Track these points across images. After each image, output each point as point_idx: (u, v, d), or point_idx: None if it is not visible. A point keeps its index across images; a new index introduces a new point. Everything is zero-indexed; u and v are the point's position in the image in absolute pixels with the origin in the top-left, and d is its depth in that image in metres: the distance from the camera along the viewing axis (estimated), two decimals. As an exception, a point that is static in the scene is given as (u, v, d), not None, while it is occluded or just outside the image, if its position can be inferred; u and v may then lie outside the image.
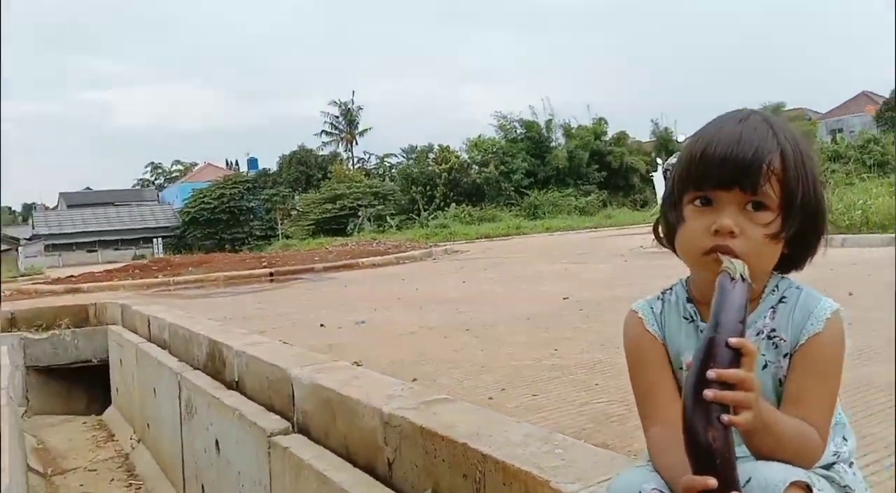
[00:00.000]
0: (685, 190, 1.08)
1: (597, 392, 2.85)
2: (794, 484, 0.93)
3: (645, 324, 1.17)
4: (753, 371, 0.93)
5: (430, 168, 35.88)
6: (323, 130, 58.24)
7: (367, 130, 59.57)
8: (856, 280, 5.83)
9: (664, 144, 36.82)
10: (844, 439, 1.11)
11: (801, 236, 1.07)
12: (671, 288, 1.20)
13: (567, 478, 1.56)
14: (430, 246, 16.05)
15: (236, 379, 3.75)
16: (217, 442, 3.63)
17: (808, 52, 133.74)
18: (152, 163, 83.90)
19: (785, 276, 1.13)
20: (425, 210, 32.93)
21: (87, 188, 69.58)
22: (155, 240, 45.14)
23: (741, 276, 0.98)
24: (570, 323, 4.66)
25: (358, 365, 3.83)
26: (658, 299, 1.19)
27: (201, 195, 44.32)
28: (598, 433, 2.29)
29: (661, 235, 1.15)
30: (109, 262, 28.82)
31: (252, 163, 57.33)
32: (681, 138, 19.69)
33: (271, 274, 12.31)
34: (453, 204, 32.62)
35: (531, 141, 35.76)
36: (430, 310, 5.91)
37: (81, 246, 45.66)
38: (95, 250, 44.94)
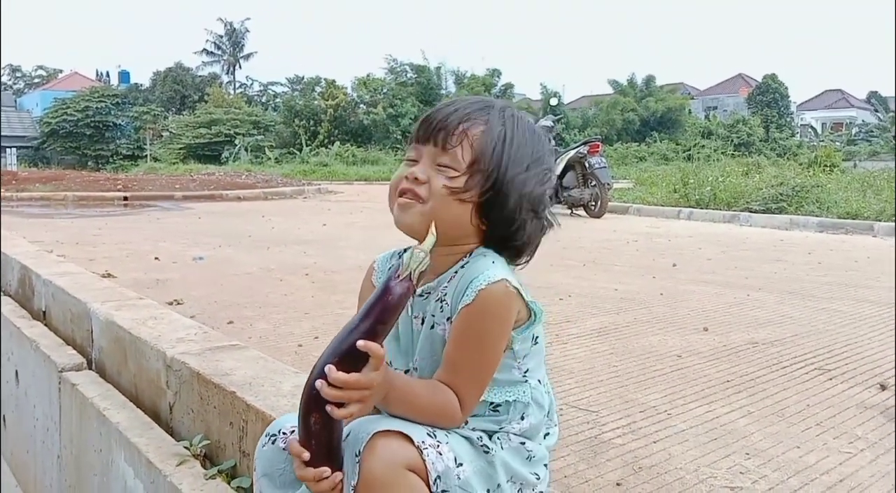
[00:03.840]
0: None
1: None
2: (380, 432, 1.00)
3: (373, 274, 1.23)
4: (380, 370, 0.98)
5: (315, 102, 34.80)
6: (204, 49, 55.12)
7: (252, 54, 56.96)
8: (685, 253, 6.26)
9: (548, 104, 37.58)
10: (522, 418, 1.14)
11: (499, 216, 1.10)
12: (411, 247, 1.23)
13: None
14: (303, 184, 15.66)
15: (44, 309, 3.55)
16: (17, 373, 3.45)
17: (692, 30, 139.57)
18: (10, 65, 76.57)
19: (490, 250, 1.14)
20: (307, 145, 31.97)
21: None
22: (8, 150, 41.13)
23: (410, 275, 0.99)
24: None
25: (178, 303, 3.73)
26: (397, 254, 1.23)
27: (64, 106, 40.83)
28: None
29: None
30: (-50, 169, 26.19)
31: (123, 76, 53.44)
32: (553, 101, 20.08)
33: (125, 198, 11.65)
34: (337, 142, 31.86)
35: (421, 86, 35.38)
36: (277, 251, 5.81)
37: (-78, 150, 41.14)
38: (-64, 156, 40.62)
